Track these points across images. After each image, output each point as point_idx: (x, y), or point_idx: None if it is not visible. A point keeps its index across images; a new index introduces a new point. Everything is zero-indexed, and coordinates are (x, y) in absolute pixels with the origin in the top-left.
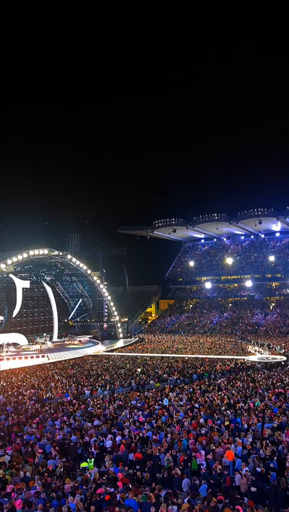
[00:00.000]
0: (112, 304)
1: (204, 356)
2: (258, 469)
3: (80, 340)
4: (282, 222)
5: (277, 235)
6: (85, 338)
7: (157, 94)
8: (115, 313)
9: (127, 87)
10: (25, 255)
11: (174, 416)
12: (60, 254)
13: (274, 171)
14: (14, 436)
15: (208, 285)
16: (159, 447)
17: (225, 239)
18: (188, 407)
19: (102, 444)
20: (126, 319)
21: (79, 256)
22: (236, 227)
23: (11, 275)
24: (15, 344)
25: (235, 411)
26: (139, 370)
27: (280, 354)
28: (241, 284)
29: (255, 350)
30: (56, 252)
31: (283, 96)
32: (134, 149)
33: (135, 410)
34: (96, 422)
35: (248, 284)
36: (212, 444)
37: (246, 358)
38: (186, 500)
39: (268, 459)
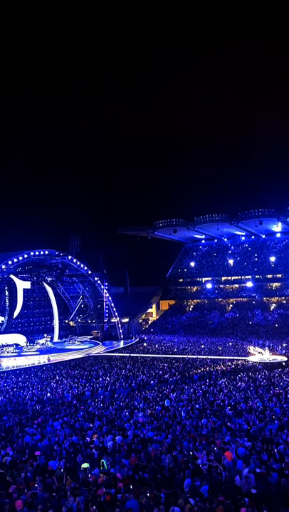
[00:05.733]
0: (112, 304)
1: (205, 357)
2: (259, 470)
3: (80, 341)
4: (283, 223)
5: (278, 235)
6: (86, 338)
7: (158, 95)
8: (116, 313)
9: (126, 86)
10: (25, 256)
11: (175, 416)
12: (61, 254)
13: (274, 172)
14: (15, 437)
15: (208, 286)
16: (160, 448)
17: (226, 239)
18: (189, 407)
19: (101, 445)
20: (127, 320)
21: (80, 257)
22: (237, 227)
23: (11, 276)
24: (16, 345)
25: (236, 412)
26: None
27: (280, 355)
28: (242, 284)
29: (256, 351)
30: (57, 253)
31: (283, 96)
32: (135, 149)
33: (136, 411)
34: (97, 423)
35: (249, 284)
36: (213, 445)
37: (247, 358)
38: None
39: (268, 460)
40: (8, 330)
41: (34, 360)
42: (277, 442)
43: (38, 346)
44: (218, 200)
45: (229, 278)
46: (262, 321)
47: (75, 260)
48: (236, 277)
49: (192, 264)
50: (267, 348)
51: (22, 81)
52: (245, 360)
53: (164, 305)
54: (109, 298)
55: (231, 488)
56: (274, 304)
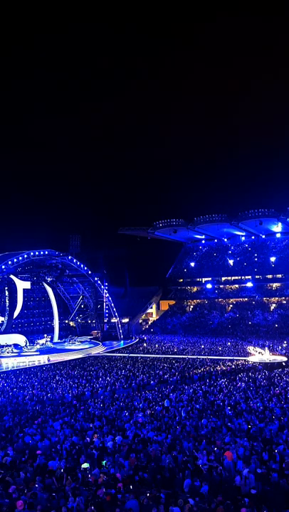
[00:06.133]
0: (112, 304)
1: (205, 357)
2: (259, 470)
3: (80, 341)
4: (283, 223)
5: (278, 235)
6: (86, 338)
7: (158, 95)
8: (116, 313)
9: (124, 85)
10: (26, 256)
11: (175, 417)
12: (61, 255)
13: (274, 172)
14: (15, 437)
15: (208, 286)
16: (160, 448)
17: (226, 239)
18: (189, 408)
19: (101, 445)
20: (127, 320)
21: (80, 257)
22: (237, 227)
23: (11, 276)
24: (16, 345)
25: (236, 412)
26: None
27: (280, 355)
28: (242, 284)
29: (256, 351)
30: (57, 253)
31: (283, 96)
32: (135, 150)
33: (136, 411)
34: (97, 423)
35: (249, 284)
36: (213, 445)
37: (247, 358)
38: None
39: (268, 460)
40: (8, 330)
41: (34, 360)
42: (277, 442)
43: (38, 346)
44: (218, 200)
45: (229, 278)
46: (262, 321)
47: (75, 260)
48: (236, 277)
49: (192, 264)
50: (267, 348)
51: (22, 80)
52: (245, 360)
53: (164, 305)
54: (109, 298)
55: (231, 489)
56: (274, 304)
